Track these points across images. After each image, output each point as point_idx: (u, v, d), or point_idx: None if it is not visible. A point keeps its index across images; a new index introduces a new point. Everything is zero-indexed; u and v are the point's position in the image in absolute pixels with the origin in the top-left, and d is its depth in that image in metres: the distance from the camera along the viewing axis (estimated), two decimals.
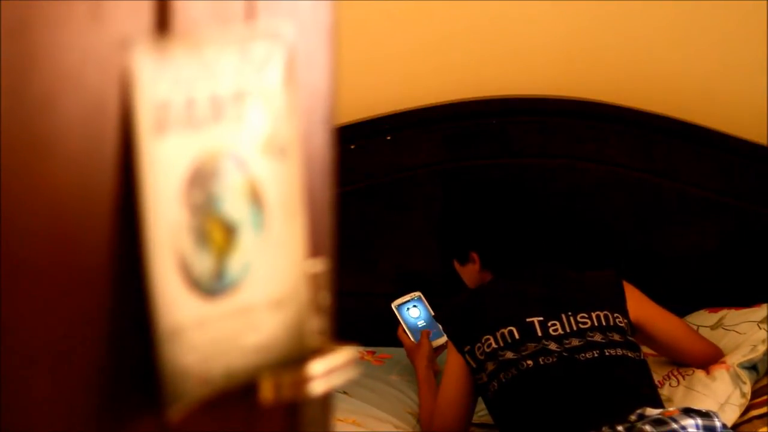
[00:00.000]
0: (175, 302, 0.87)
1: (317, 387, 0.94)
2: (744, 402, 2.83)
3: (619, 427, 2.48)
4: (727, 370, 2.87)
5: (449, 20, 3.35)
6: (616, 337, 2.73)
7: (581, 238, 3.27)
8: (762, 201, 3.24)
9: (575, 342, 2.71)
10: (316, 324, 0.97)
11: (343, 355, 0.97)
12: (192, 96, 0.88)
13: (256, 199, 0.92)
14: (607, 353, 2.70)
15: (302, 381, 0.93)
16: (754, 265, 3.24)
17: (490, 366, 2.72)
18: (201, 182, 0.88)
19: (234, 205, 0.90)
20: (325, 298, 0.98)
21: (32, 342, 0.81)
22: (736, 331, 3.02)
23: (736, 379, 2.85)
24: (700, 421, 2.44)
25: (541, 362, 2.69)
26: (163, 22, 0.87)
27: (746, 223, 3.25)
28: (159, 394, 0.86)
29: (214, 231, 0.89)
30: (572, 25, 3.34)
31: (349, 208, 3.25)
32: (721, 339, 3.00)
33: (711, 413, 2.50)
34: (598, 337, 2.72)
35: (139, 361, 0.87)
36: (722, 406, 2.80)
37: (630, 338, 2.76)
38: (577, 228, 3.27)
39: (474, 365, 2.76)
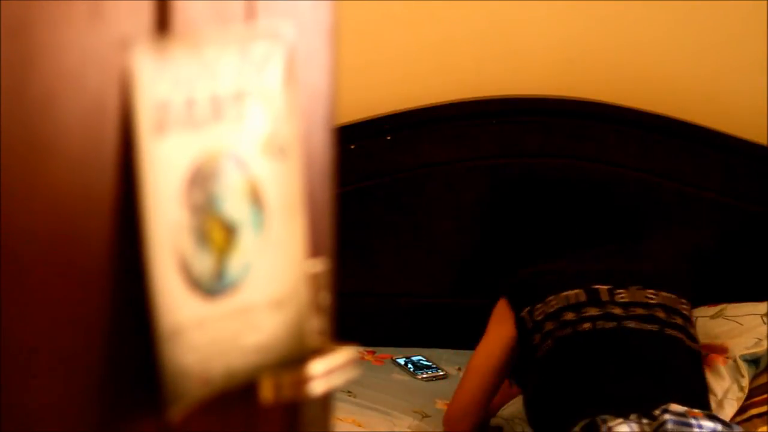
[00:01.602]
0: (175, 302, 0.87)
1: (317, 387, 0.94)
2: (741, 396, 2.81)
3: (645, 420, 2.45)
4: (724, 363, 2.86)
5: (449, 20, 3.35)
6: (679, 320, 2.72)
7: (581, 238, 3.27)
8: (762, 201, 3.24)
9: (640, 311, 2.71)
10: (316, 324, 0.97)
11: (343, 355, 0.97)
12: (192, 96, 0.88)
13: (256, 199, 0.92)
14: (666, 332, 2.68)
15: (302, 381, 0.93)
16: (754, 266, 3.23)
17: (549, 325, 2.69)
18: (201, 182, 0.88)
19: (234, 205, 0.90)
20: (325, 298, 0.98)
21: (32, 342, 0.81)
22: (738, 322, 3.00)
23: (735, 372, 2.84)
24: (720, 428, 2.43)
25: (599, 326, 2.67)
26: (163, 22, 0.87)
27: (746, 223, 3.25)
28: (159, 394, 0.86)
29: (214, 231, 0.89)
30: (572, 26, 3.34)
31: (349, 208, 3.24)
32: (722, 327, 2.99)
33: (732, 425, 2.49)
34: (661, 314, 2.71)
35: (139, 362, 0.87)
36: (720, 401, 2.78)
37: (691, 330, 2.74)
38: (576, 228, 3.27)
39: (529, 326, 2.74)
